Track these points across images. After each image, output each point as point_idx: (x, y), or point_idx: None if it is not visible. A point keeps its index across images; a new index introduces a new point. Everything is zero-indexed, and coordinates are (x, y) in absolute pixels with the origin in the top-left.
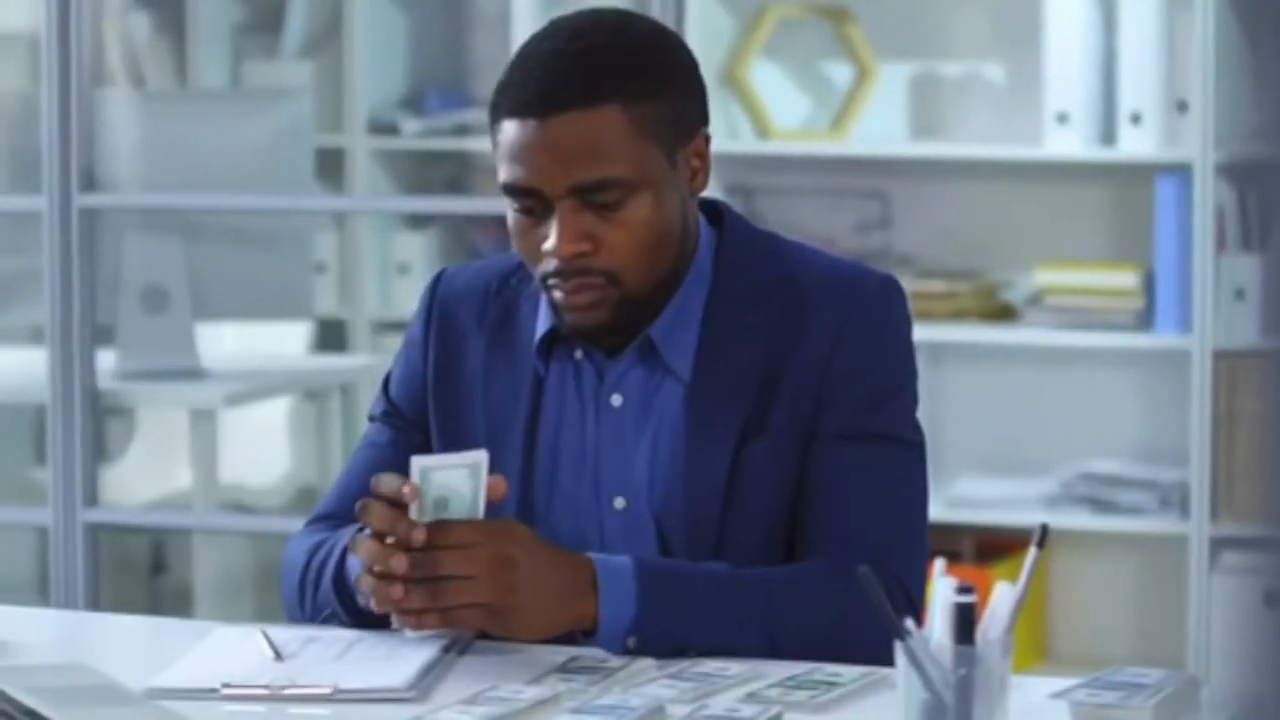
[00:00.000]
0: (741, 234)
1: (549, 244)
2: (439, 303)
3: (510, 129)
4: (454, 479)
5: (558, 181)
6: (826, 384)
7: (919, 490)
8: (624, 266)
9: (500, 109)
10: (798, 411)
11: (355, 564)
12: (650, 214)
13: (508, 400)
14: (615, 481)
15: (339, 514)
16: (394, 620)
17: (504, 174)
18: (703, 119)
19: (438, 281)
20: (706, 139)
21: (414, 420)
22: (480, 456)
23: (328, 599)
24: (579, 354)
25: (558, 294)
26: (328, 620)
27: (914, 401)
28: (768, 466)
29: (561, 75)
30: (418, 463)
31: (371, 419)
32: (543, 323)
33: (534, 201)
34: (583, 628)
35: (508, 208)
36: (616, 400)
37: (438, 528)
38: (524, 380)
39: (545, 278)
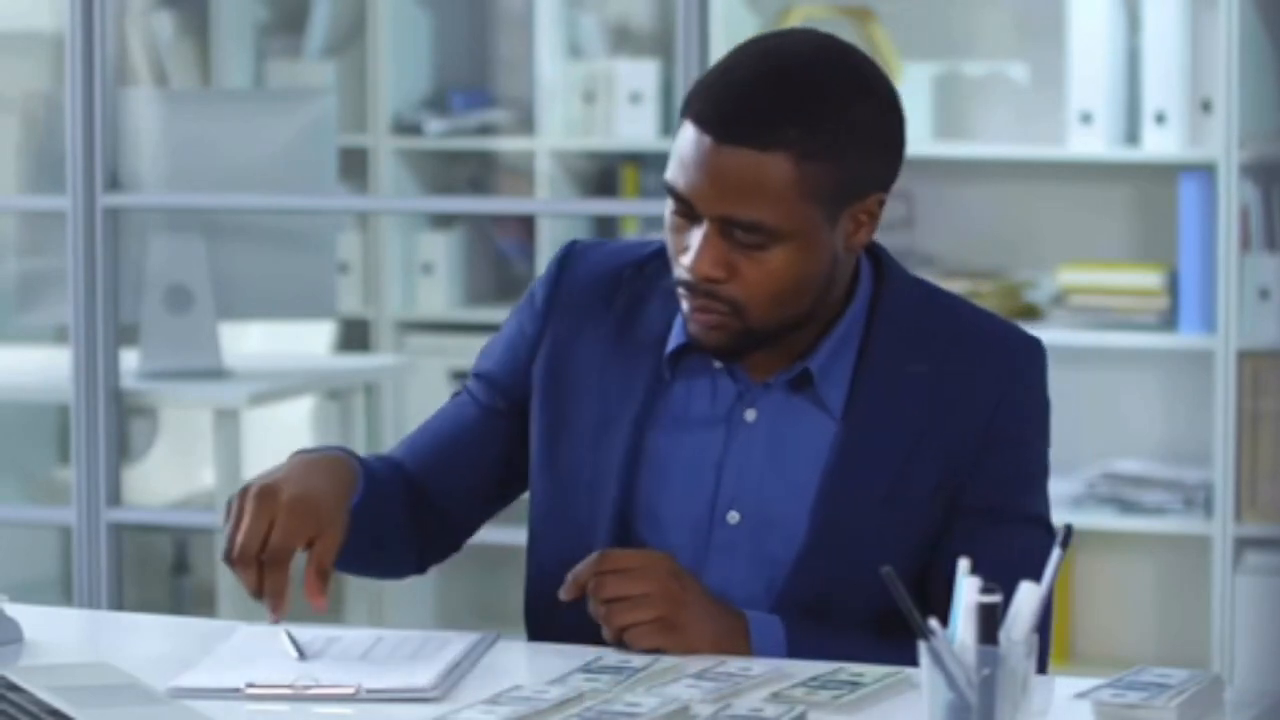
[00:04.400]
0: (899, 278)
1: (687, 258)
2: (568, 278)
3: (689, 134)
4: None
5: (711, 205)
6: (984, 449)
7: (1054, 577)
8: (750, 303)
9: (690, 107)
10: (946, 476)
11: None
12: (789, 264)
13: (620, 394)
14: (732, 495)
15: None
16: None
17: (669, 171)
18: (883, 182)
19: (568, 256)
20: (881, 202)
21: (507, 388)
22: None
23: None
24: (718, 364)
25: (685, 304)
26: None
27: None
28: (906, 530)
29: (746, 106)
30: None
31: (464, 383)
32: (682, 326)
33: (686, 209)
34: None
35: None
36: (750, 415)
37: (603, 557)
38: (641, 377)
39: (678, 282)
